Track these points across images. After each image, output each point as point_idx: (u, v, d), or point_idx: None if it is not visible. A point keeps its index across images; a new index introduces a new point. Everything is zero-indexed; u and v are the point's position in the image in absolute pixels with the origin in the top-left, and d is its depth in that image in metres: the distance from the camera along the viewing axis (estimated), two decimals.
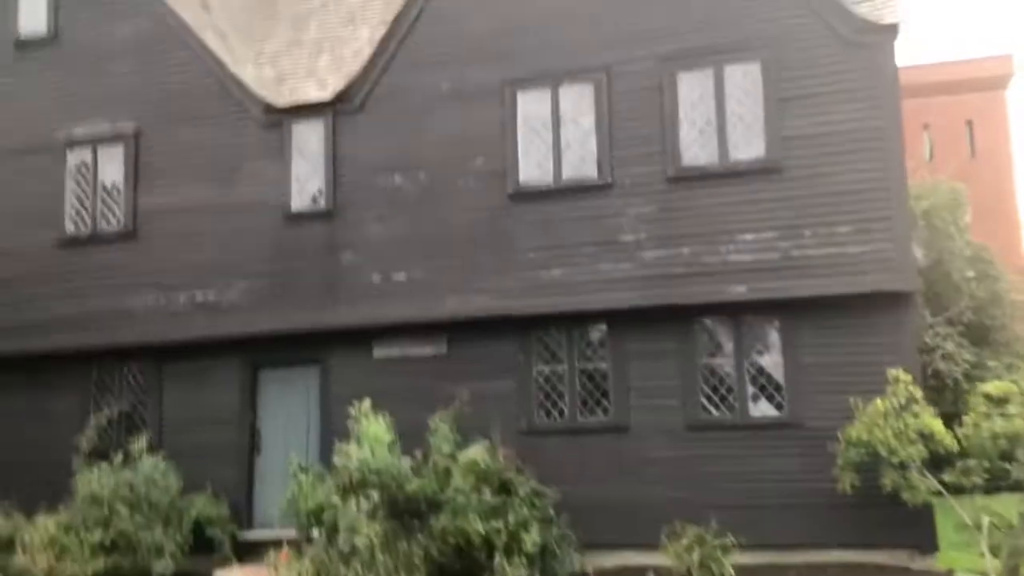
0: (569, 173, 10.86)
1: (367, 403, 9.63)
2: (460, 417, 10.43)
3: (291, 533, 11.17)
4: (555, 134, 10.94)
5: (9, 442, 12.60)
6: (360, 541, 8.39)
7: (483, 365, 11.10)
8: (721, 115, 10.44)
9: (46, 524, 9.97)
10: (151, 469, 10.42)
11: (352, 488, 8.85)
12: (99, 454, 11.64)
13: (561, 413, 10.83)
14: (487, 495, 9.17)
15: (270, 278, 11.73)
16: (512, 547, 8.92)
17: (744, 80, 10.41)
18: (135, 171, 12.45)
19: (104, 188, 12.60)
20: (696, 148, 10.50)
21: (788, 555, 9.75)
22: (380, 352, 11.51)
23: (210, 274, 11.93)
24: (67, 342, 12.35)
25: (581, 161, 10.83)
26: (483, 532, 8.73)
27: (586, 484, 10.33)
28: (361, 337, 11.53)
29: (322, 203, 11.67)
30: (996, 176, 22.20)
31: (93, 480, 10.30)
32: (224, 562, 10.99)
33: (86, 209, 12.62)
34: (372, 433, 9.20)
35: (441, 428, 9.70)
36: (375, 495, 8.72)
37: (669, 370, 10.50)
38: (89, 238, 12.49)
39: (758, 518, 9.74)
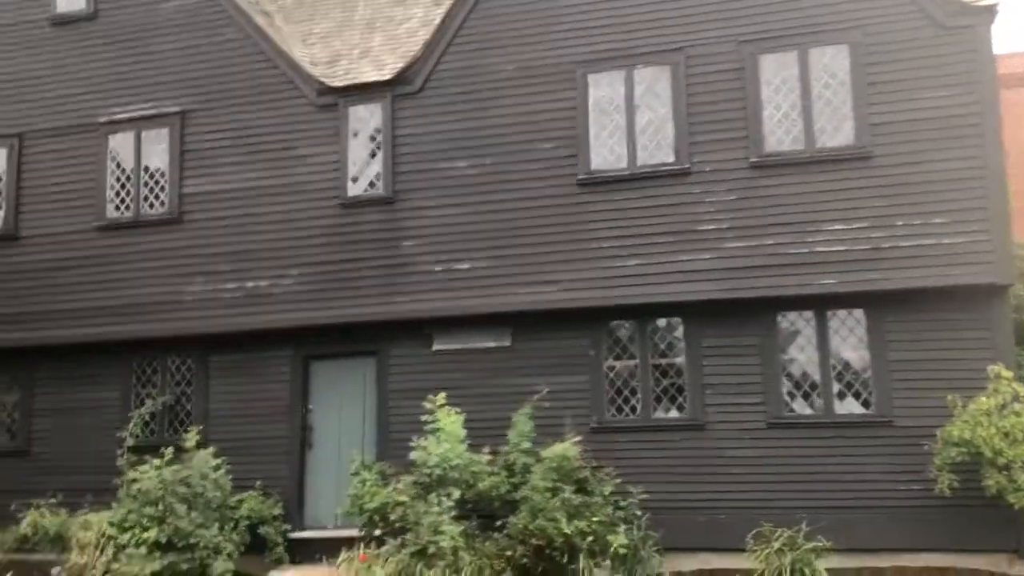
0: (644, 159, 10.40)
1: (441, 397, 9.10)
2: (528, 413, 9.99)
3: (345, 532, 10.78)
4: (629, 118, 10.48)
5: (49, 434, 12.12)
6: (445, 542, 7.89)
7: (550, 359, 10.65)
8: (807, 99, 10.00)
9: (99, 521, 9.45)
10: (205, 465, 9.89)
11: (432, 486, 8.34)
12: (143, 448, 11.15)
13: (634, 409, 10.37)
14: (568, 493, 8.71)
15: (325, 266, 11.22)
16: (596, 549, 8.46)
17: (831, 63, 9.98)
18: (180, 154, 11.92)
19: (148, 172, 12.07)
20: (780, 133, 10.06)
21: (877, 559, 9.33)
22: (440, 344, 11.03)
23: (261, 262, 11.42)
24: (108, 331, 11.84)
25: (657, 147, 10.37)
26: (569, 532, 8.25)
27: (660, 483, 9.89)
28: (420, 328, 11.06)
29: (380, 189, 11.18)
30: None
31: (146, 476, 9.77)
32: (277, 563, 10.50)
33: (128, 193, 12.09)
34: (448, 429, 8.70)
35: (520, 423, 9.21)
36: (456, 493, 8.23)
37: (749, 366, 10.05)
38: (132, 223, 11.97)
39: (845, 520, 9.32)
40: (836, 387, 9.85)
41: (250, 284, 11.42)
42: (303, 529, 11.06)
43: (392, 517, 9.45)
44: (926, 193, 9.55)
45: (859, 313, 9.87)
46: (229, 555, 9.54)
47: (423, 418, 9.12)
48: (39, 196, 12.41)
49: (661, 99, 10.42)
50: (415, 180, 11.10)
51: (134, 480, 9.81)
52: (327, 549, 10.77)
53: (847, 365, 9.87)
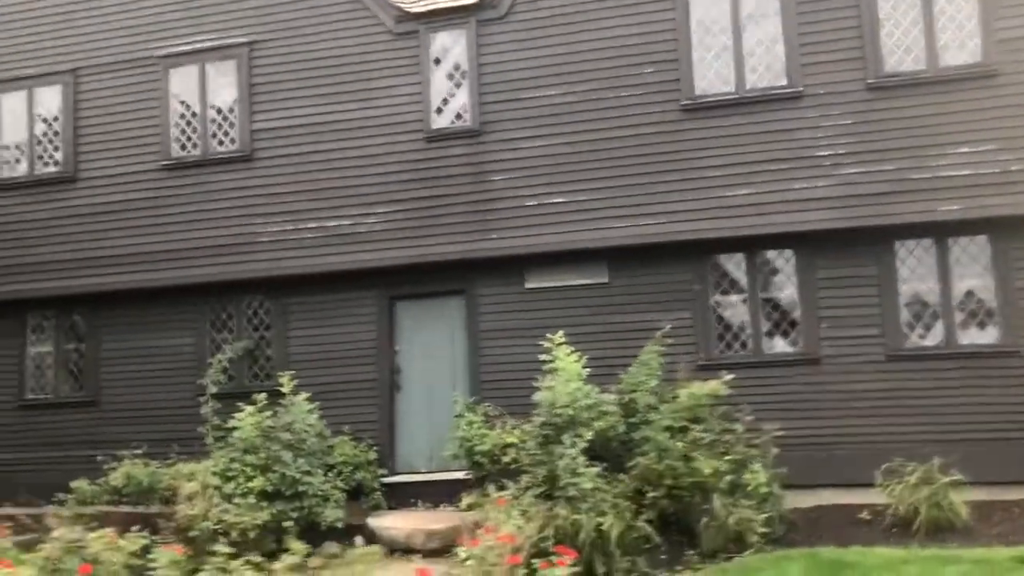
0: (753, 82, 9.88)
1: (559, 335, 8.69)
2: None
3: (439, 476, 10.50)
4: (736, 38, 9.92)
5: (118, 383, 11.69)
6: (586, 483, 7.56)
7: (651, 295, 10.25)
8: (928, 15, 9.45)
9: (203, 471, 9.09)
10: (302, 410, 9.50)
11: (563, 427, 7.98)
12: (221, 396, 10.76)
13: (743, 345, 10.01)
14: (698, 432, 8.37)
15: (410, 203, 10.73)
16: (730, 488, 8.15)
17: None
18: (249, 88, 11.32)
19: (214, 107, 11.46)
20: (900, 53, 9.53)
21: (1006, 491, 9.06)
22: (533, 282, 10.60)
23: (343, 200, 10.91)
24: (179, 275, 11.36)
25: (767, 68, 9.84)
26: (707, 472, 7.93)
27: (772, 420, 9.53)
28: (511, 265, 10.61)
29: (467, 120, 10.63)
30: None
31: (244, 423, 9.38)
32: (374, 508, 10.19)
33: (195, 130, 11.50)
34: (569, 368, 8.31)
35: (651, 360, 8.82)
36: (588, 434, 7.87)
37: (866, 297, 9.67)
38: (200, 161, 11.39)
39: (972, 453, 8.99)
40: (959, 317, 9.48)
41: (332, 223, 10.92)
42: (395, 474, 10.73)
43: (505, 459, 9.15)
44: None
45: (982, 240, 9.47)
46: (336, 502, 9.19)
47: (541, 357, 8.70)
48: (98, 135, 11.81)
49: (770, 17, 9.84)
50: (504, 110, 10.55)
51: (233, 428, 9.41)
52: (421, 494, 10.53)
53: (970, 294, 9.49)
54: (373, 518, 9.98)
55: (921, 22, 9.49)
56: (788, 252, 9.99)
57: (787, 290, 9.98)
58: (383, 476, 10.51)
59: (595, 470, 7.73)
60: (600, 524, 7.40)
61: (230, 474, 9.00)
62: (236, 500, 8.77)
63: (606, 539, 7.38)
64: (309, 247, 10.97)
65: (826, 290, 9.80)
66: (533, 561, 6.74)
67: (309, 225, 10.98)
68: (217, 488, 8.84)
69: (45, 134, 11.97)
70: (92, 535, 6.92)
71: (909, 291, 9.64)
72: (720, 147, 9.90)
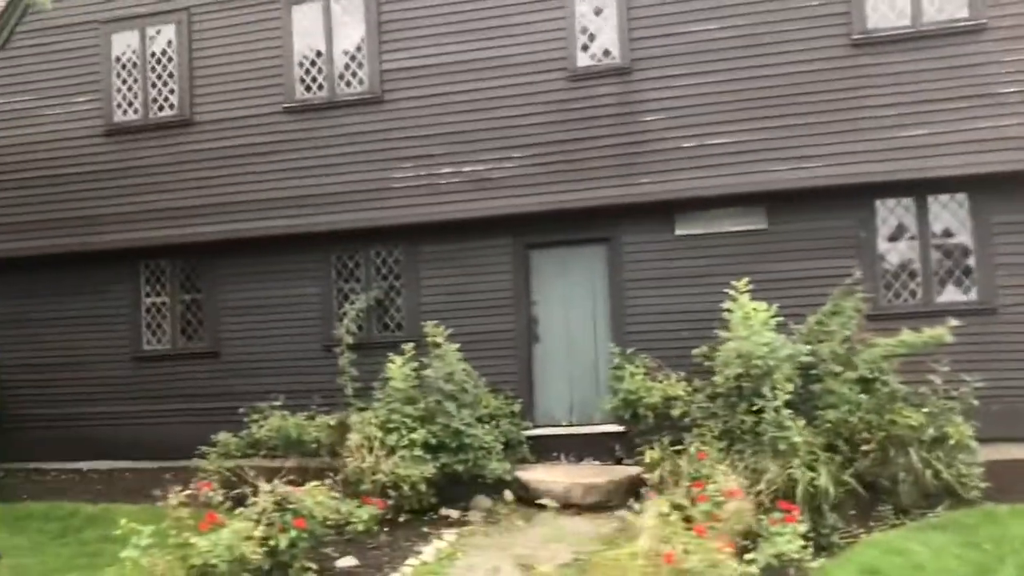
0: (932, 14, 9.28)
1: (743, 282, 8.25)
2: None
3: (582, 429, 10.18)
4: None
5: (242, 334, 11.37)
6: (796, 437, 7.17)
7: (812, 242, 9.78)
8: None
9: (358, 423, 8.76)
10: (456, 360, 9.13)
11: (759, 378, 7.57)
12: (351, 347, 10.41)
13: (913, 294, 9.55)
14: (894, 384, 7.95)
15: (551, 146, 10.23)
16: (934, 441, 7.74)
17: None
18: (378, 26, 10.79)
19: (342, 46, 10.95)
20: None
21: None
22: (684, 228, 10.14)
23: (479, 144, 10.42)
24: (304, 223, 10.95)
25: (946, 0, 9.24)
26: (914, 424, 7.53)
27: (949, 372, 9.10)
28: (659, 211, 10.15)
29: (616, 57, 10.08)
30: None
31: (396, 372, 9.03)
32: (521, 462, 9.86)
33: (320, 71, 11.00)
34: (760, 317, 7.88)
35: (845, 308, 8.37)
36: (789, 386, 7.46)
37: None
38: (326, 104, 10.91)
39: None
40: None
41: (468, 168, 10.45)
42: (536, 426, 10.38)
43: (673, 412, 8.77)
44: None
45: None
46: (498, 455, 8.86)
47: (722, 306, 8.27)
48: (214, 77, 11.32)
49: None
50: (655, 46, 10.00)
51: (386, 379, 9.07)
52: (561, 447, 10.22)
53: None
54: (522, 471, 9.66)
55: None
56: (961, 196, 9.46)
57: (960, 236, 9.46)
58: (525, 429, 10.16)
59: (801, 423, 7.32)
60: (814, 479, 7.01)
61: (390, 426, 8.66)
62: (401, 453, 8.43)
63: (821, 494, 7.00)
64: (444, 193, 10.52)
65: (1004, 236, 9.29)
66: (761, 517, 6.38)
67: (444, 170, 10.52)
68: (379, 440, 8.50)
69: (159, 76, 11.49)
70: (299, 489, 6.57)
71: None
72: (893, 84, 9.32)
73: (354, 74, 10.89)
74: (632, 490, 9.41)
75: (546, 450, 10.22)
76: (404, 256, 10.97)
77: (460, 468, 8.66)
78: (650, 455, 8.00)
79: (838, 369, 8.16)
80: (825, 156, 9.50)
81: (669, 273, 10.11)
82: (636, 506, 9.00)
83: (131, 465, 11.13)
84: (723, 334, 8.21)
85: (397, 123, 10.67)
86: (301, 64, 11.04)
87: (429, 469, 8.45)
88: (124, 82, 11.62)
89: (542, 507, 9.22)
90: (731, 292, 8.23)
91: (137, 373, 11.72)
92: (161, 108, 11.49)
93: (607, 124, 10.08)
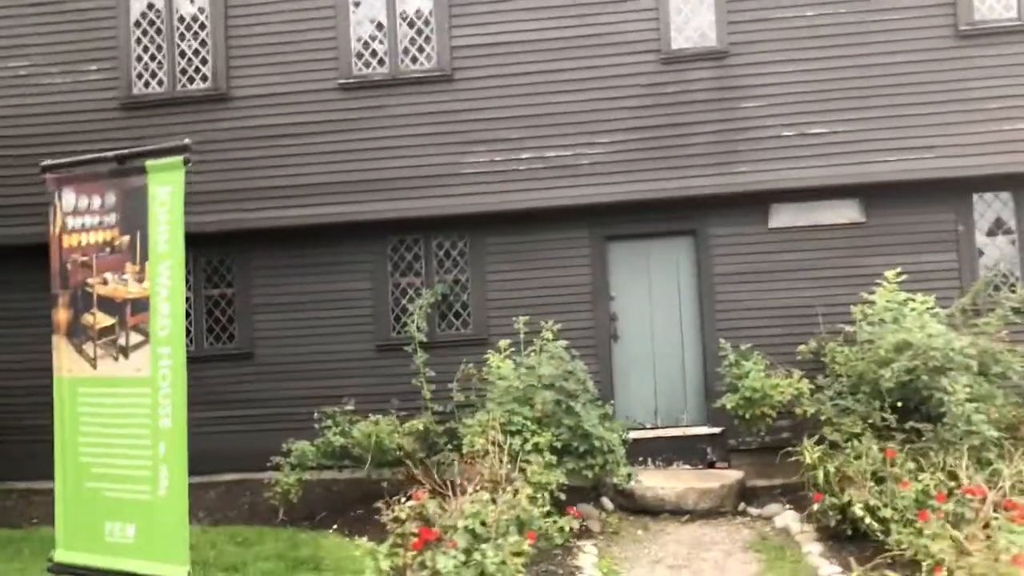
0: None
1: (892, 273, 7.90)
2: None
3: (668, 432, 9.66)
4: None
5: (281, 333, 10.26)
6: (990, 431, 6.84)
7: (910, 235, 9.58)
8: None
9: (473, 426, 7.92)
10: (567, 358, 8.42)
11: (936, 370, 7.22)
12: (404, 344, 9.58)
13: (1012, 289, 9.44)
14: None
15: (640, 132, 9.68)
16: None
17: None
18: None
19: (406, 18, 10.07)
20: None
21: None
22: (779, 220, 9.76)
23: (561, 128, 9.76)
24: (360, 210, 10.00)
25: None
26: None
27: None
28: (751, 203, 9.74)
29: (712, 40, 9.63)
30: None
31: (508, 370, 8.26)
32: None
33: (381, 44, 10.08)
34: (923, 309, 7.53)
35: (1004, 305, 8.11)
36: (964, 379, 7.14)
37: None
38: (388, 81, 9.99)
39: None
40: None
41: (550, 154, 9.76)
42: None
43: (798, 411, 8.34)
44: None
45: None
46: (623, 458, 8.18)
47: (868, 298, 7.89)
48: (256, 46, 10.23)
49: None
50: (753, 30, 9.60)
51: (500, 377, 8.27)
52: (646, 451, 9.63)
53: None
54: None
55: None
56: None
57: None
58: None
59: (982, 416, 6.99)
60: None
61: (511, 428, 7.85)
62: (528, 457, 7.64)
63: None
64: (523, 179, 9.79)
65: None
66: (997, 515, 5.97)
67: (523, 156, 9.79)
68: (500, 446, 7.69)
69: (190, 44, 10.28)
70: (511, 496, 5.73)
71: None
72: (998, 77, 9.23)
73: (421, 49, 10.03)
74: (741, 494, 8.97)
75: (630, 455, 9.55)
76: (470, 248, 10.16)
77: (589, 474, 7.94)
78: (809, 455, 7.47)
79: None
80: (924, 148, 9.33)
81: (762, 267, 9.72)
82: (755, 511, 8.57)
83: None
84: (865, 328, 7.84)
85: (470, 104, 9.88)
86: (360, 38, 10.08)
87: (558, 475, 7.67)
88: (146, 49, 10.33)
89: (650, 514, 8.63)
90: (882, 283, 7.85)
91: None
92: (192, 80, 10.26)
93: (701, 110, 9.61)
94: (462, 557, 4.93)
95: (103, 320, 5.00)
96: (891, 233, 9.57)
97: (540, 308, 9.84)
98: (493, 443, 7.66)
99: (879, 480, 6.91)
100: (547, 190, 9.74)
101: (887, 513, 6.62)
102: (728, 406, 8.65)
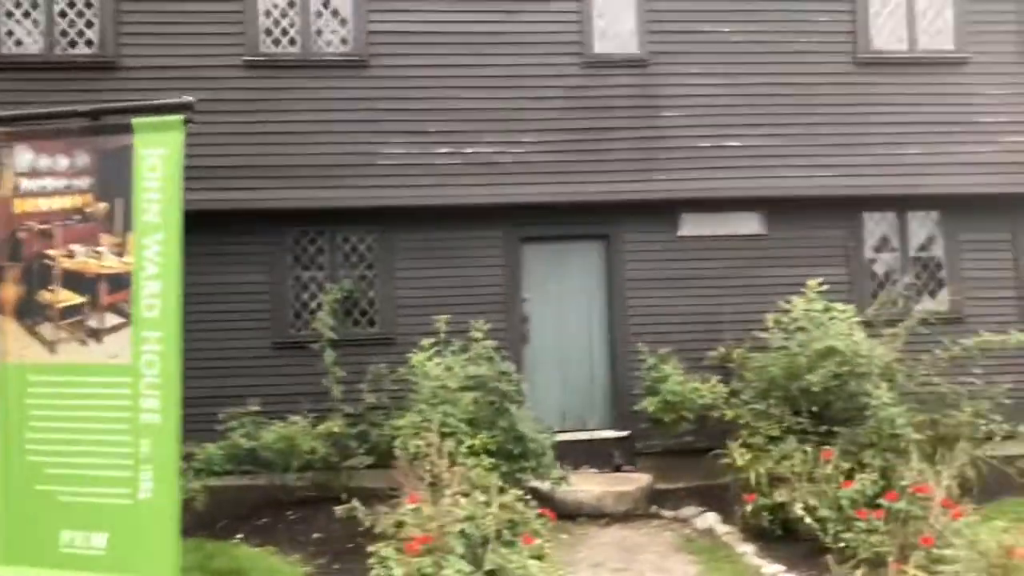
0: (924, 42, 10.01)
1: (815, 283, 8.26)
2: None
3: (577, 435, 9.69)
4: None
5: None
6: (914, 433, 7.25)
7: (806, 249, 10.08)
8: None
9: (405, 427, 7.52)
10: (494, 356, 8.22)
11: (862, 376, 7.58)
12: (311, 342, 9.08)
13: (894, 303, 10.12)
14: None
15: (564, 134, 9.64)
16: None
17: None
18: None
19: (322, 1, 9.54)
20: None
21: None
22: (688, 229, 9.99)
23: (484, 124, 9.55)
24: (254, 198, 9.36)
25: (937, 32, 10.02)
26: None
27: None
28: (664, 211, 9.94)
29: (634, 47, 9.75)
30: None
31: (436, 371, 7.93)
32: None
33: (292, 23, 9.49)
34: (845, 316, 7.91)
35: (914, 315, 8.59)
36: (884, 386, 7.56)
37: (1002, 260, 10.21)
38: (298, 62, 9.43)
39: None
40: None
41: (470, 150, 9.52)
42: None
43: (719, 415, 8.56)
44: None
45: None
46: (552, 459, 8.05)
47: (784, 306, 8.20)
48: (151, 12, 9.36)
49: None
50: (672, 41, 9.80)
51: (429, 377, 7.91)
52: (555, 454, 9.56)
53: None
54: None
55: None
56: (935, 214, 10.25)
57: (935, 251, 10.24)
58: None
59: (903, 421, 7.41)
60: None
61: (444, 430, 7.53)
62: (464, 460, 7.35)
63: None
64: (439, 175, 9.49)
65: (969, 253, 10.19)
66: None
67: (441, 150, 9.50)
68: (439, 448, 7.35)
69: (72, 2, 9.27)
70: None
71: None
72: (888, 104, 9.91)
73: (334, 31, 9.52)
74: (651, 497, 9.07)
75: None
76: (379, 244, 9.73)
77: (523, 477, 7.74)
78: (739, 456, 7.64)
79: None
80: (822, 167, 9.84)
81: (670, 274, 9.91)
82: (668, 513, 8.67)
83: None
84: (777, 335, 8.17)
85: (387, 92, 9.47)
86: (269, 13, 9.44)
87: (494, 479, 7.43)
88: (18, 4, 9.21)
89: (569, 518, 8.56)
90: (806, 292, 8.19)
91: None
92: (74, 44, 9.24)
93: (622, 116, 9.70)
94: (465, 567, 4.61)
95: (67, 298, 4.32)
96: (789, 246, 10.03)
97: (452, 308, 9.47)
98: (430, 445, 7.30)
99: (812, 481, 7.13)
100: (465, 187, 9.49)
101: (825, 512, 6.83)
102: (650, 409, 8.73)
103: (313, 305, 9.48)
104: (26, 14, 9.20)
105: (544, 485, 8.01)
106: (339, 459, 8.39)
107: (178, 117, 4.16)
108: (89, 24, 9.24)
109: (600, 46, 9.69)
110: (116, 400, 4.19)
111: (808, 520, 6.85)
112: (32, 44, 9.20)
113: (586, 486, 8.78)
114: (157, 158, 4.17)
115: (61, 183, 4.35)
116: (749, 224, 10.02)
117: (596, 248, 10.00)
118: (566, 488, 8.60)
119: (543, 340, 9.91)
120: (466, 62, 9.52)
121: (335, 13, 9.48)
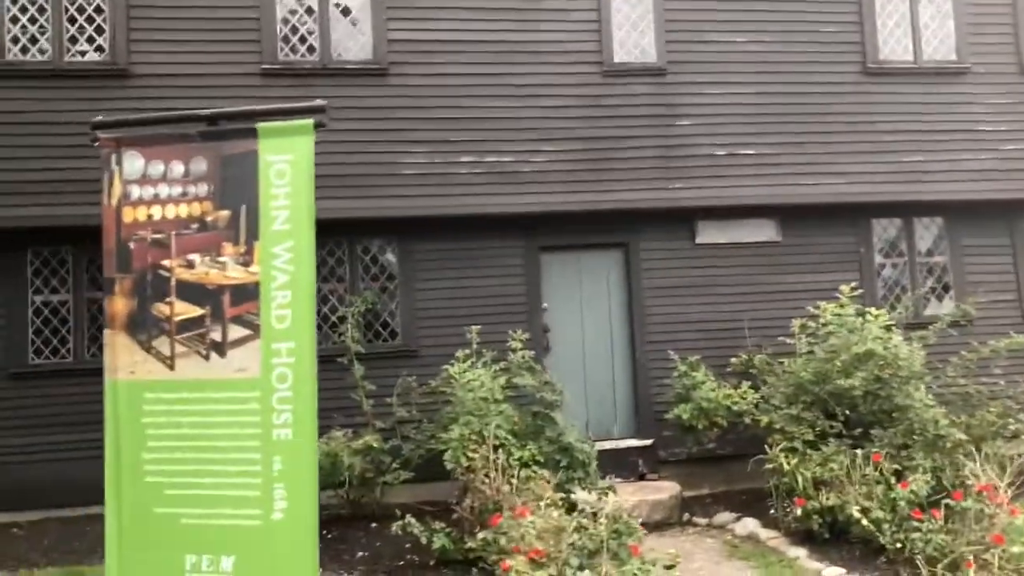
0: (929, 53, 10.29)
1: (849, 288, 8.39)
2: None
3: (599, 445, 9.61)
4: (912, 9, 10.29)
5: None
6: (958, 434, 7.39)
7: (821, 255, 10.26)
8: None
9: (456, 440, 7.39)
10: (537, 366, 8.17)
11: (905, 379, 7.72)
12: (333, 356, 8.90)
13: (904, 308, 10.35)
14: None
15: (584, 143, 9.64)
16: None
17: None
18: None
19: (339, 5, 9.39)
20: None
21: None
22: (705, 237, 10.08)
23: (504, 133, 9.49)
24: None
25: (940, 42, 10.31)
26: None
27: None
28: (681, 219, 10.01)
29: (653, 56, 9.81)
30: None
31: (478, 382, 7.83)
32: None
33: (310, 31, 9.32)
34: (879, 321, 8.02)
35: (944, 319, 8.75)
36: (922, 387, 7.71)
37: (1003, 264, 10.54)
38: (318, 70, 9.26)
39: None
40: None
41: (492, 159, 9.46)
42: None
43: (752, 420, 8.62)
44: None
45: None
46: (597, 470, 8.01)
47: (812, 311, 8.32)
48: (164, 19, 9.09)
49: None
50: (689, 51, 9.90)
51: (471, 388, 7.80)
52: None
53: None
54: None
55: None
56: (939, 220, 10.53)
57: (939, 256, 10.52)
58: None
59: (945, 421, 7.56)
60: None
61: (495, 443, 7.43)
62: (514, 472, 7.27)
63: None
64: (461, 184, 9.40)
65: (971, 256, 10.49)
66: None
67: (463, 159, 9.41)
68: (494, 462, 7.26)
69: (82, 8, 8.94)
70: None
71: None
72: (896, 112, 10.16)
73: (355, 40, 9.37)
74: (682, 505, 9.08)
75: None
76: (399, 254, 9.58)
77: (569, 487, 7.66)
78: (785, 462, 7.69)
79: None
80: (834, 174, 10.02)
81: (688, 282, 9.98)
82: (701, 520, 8.69)
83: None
84: (804, 340, 8.34)
85: (404, 101, 9.36)
86: (286, 19, 9.25)
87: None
88: (24, 9, 8.85)
89: None
90: (839, 295, 8.31)
91: (20, 394, 8.86)
92: (84, 52, 8.92)
93: (641, 125, 9.74)
94: None
95: (185, 311, 4.13)
96: (803, 252, 10.19)
97: (474, 319, 9.37)
98: (485, 457, 7.21)
99: (864, 483, 7.22)
100: (486, 196, 9.42)
101: (879, 514, 6.93)
102: (684, 416, 8.73)
103: (333, 319, 9.27)
104: (32, 20, 8.83)
105: (590, 495, 7.93)
106: (374, 474, 8.20)
107: (308, 121, 4.02)
108: (100, 30, 8.91)
109: (620, 55, 9.72)
110: (244, 416, 4.02)
111: (865, 522, 6.93)
112: (37, 52, 8.82)
113: (619, 495, 8.71)
114: (285, 164, 4.03)
115: (177, 190, 4.16)
116: (764, 231, 10.14)
117: (615, 256, 10.02)
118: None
119: (564, 349, 9.87)
120: (486, 71, 9.47)
121: (354, 22, 9.33)
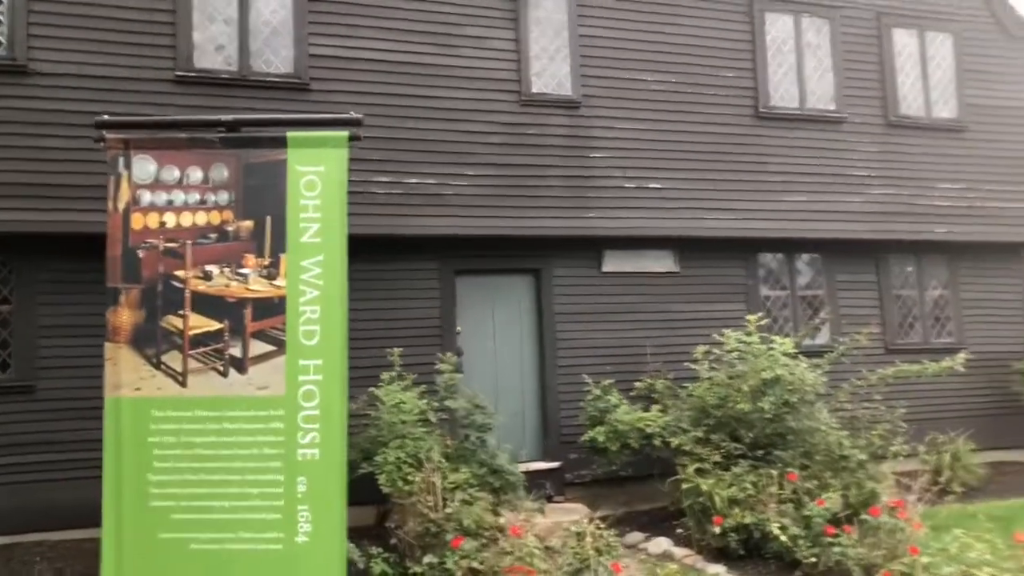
0: (812, 101, 11.16)
1: (756, 318, 8.91)
2: None
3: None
4: (799, 61, 11.14)
5: (69, 362, 8.51)
6: (861, 455, 7.99)
7: (713, 286, 10.85)
8: (924, 79, 11.75)
9: (391, 464, 7.28)
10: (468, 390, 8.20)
11: (810, 403, 8.28)
12: None
13: (786, 336, 11.08)
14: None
15: (503, 168, 9.80)
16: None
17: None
18: (305, 5, 9.29)
19: (260, 17, 9.15)
20: (910, 99, 11.64)
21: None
22: (611, 265, 10.45)
23: (426, 156, 9.51)
24: None
25: (822, 92, 11.22)
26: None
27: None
28: (591, 247, 10.35)
29: (568, 89, 10.12)
30: None
31: (411, 405, 7.76)
32: None
33: (230, 39, 9.02)
34: (784, 348, 8.59)
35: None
36: (825, 412, 8.32)
37: (870, 298, 11.52)
38: (235, 80, 8.96)
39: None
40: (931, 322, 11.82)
41: (412, 180, 9.45)
42: None
43: (662, 443, 8.97)
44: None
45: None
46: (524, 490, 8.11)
47: (717, 338, 8.82)
48: (70, 16, 8.54)
49: (823, 49, 11.25)
50: (601, 86, 10.28)
51: (402, 410, 7.71)
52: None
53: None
54: None
55: (920, 82, 11.70)
56: (816, 256, 11.39)
57: (817, 289, 11.36)
58: None
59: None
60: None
61: (429, 466, 7.39)
62: (448, 495, 7.27)
63: None
64: (379, 204, 9.33)
65: (844, 291, 11.41)
66: None
67: (381, 179, 9.35)
68: (432, 485, 7.23)
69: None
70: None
71: (898, 296, 11.68)
72: (781, 155, 10.94)
73: (276, 53, 9.14)
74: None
75: None
76: None
77: (500, 510, 7.71)
78: (702, 482, 8.06)
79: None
80: (726, 210, 10.65)
81: (596, 308, 10.30)
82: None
83: None
84: (705, 366, 8.81)
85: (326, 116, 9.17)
86: (205, 27, 8.92)
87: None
88: None
89: None
90: (745, 324, 8.83)
91: None
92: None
93: (557, 155, 10.01)
94: None
95: (200, 324, 3.96)
96: (698, 283, 10.75)
97: (388, 341, 9.29)
98: (425, 481, 7.15)
99: (780, 501, 7.68)
100: (406, 217, 9.39)
101: (794, 531, 7.39)
102: (599, 438, 8.96)
103: None
104: None
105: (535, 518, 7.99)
106: None
107: (343, 133, 3.95)
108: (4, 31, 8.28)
109: (537, 85, 9.96)
110: (266, 436, 3.88)
111: (783, 538, 7.36)
112: None
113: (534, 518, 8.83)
114: (315, 175, 3.95)
115: (194, 197, 3.98)
116: (664, 262, 10.61)
117: (527, 282, 10.20)
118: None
119: (476, 373, 9.90)
120: (408, 92, 9.47)
121: (276, 32, 9.10)
